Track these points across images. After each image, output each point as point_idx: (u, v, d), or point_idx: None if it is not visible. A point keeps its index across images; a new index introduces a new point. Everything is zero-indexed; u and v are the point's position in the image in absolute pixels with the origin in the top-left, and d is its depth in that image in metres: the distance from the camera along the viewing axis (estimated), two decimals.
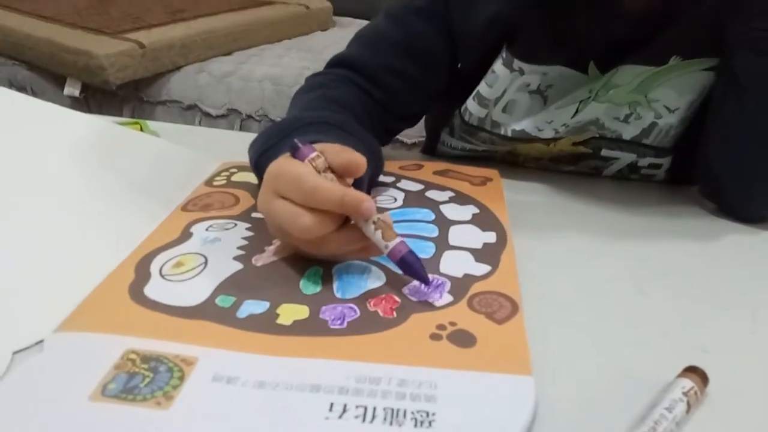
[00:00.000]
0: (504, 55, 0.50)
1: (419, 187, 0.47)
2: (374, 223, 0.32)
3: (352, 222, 0.34)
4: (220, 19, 1.30)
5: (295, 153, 0.34)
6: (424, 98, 0.55)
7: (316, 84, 0.53)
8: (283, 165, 0.35)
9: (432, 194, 0.46)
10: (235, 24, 1.30)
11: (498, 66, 0.51)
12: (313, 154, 0.33)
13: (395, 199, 0.45)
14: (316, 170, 0.34)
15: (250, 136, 0.45)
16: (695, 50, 0.47)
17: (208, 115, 1.19)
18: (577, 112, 0.51)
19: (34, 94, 1.23)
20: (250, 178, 0.46)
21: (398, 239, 0.32)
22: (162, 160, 0.51)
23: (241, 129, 1.18)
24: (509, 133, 0.53)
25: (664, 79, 0.48)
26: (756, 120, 0.46)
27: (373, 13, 1.77)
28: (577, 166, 0.56)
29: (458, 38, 0.52)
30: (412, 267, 0.32)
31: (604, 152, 0.54)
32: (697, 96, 0.49)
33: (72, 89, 1.17)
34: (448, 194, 0.46)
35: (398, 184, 0.48)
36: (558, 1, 0.48)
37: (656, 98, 0.49)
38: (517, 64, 0.50)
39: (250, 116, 1.18)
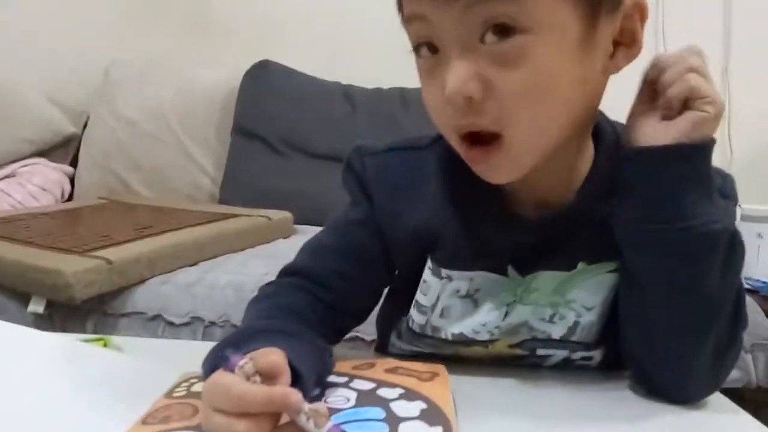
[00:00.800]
0: (430, 264, 0.57)
1: (371, 385, 0.50)
2: (305, 413, 0.35)
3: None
4: (187, 232, 1.38)
5: (227, 365, 0.38)
6: (368, 295, 0.61)
7: (269, 293, 0.58)
8: (214, 379, 0.39)
9: (383, 392, 0.49)
10: (202, 236, 1.37)
11: (428, 275, 0.57)
12: (242, 362, 0.37)
13: (348, 399, 0.47)
14: (246, 376, 0.37)
15: (211, 345, 0.48)
16: (597, 256, 0.54)
17: (171, 324, 1.21)
18: (507, 314, 0.55)
19: None
20: None
21: (330, 424, 0.35)
22: (123, 376, 0.53)
23: (203, 336, 1.20)
24: (450, 337, 0.57)
25: (577, 281, 0.54)
26: (661, 312, 0.51)
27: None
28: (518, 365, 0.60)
29: (390, 245, 0.58)
30: None
31: (539, 351, 0.58)
32: (608, 293, 0.55)
33: (36, 306, 1.18)
34: (398, 391, 0.49)
35: (351, 384, 0.50)
36: (468, 211, 0.55)
37: (573, 299, 0.55)
38: (444, 272, 0.56)
39: (213, 323, 1.20)
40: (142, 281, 1.24)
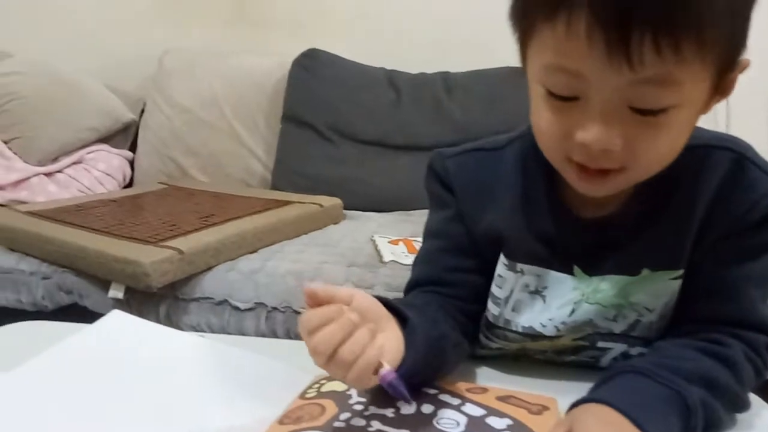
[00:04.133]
0: (505, 260, 0.63)
1: (481, 412, 0.53)
2: None
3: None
4: (247, 221, 1.47)
5: None
6: (486, 279, 0.65)
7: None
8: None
9: (492, 421, 0.51)
10: (261, 225, 1.46)
11: (502, 270, 0.63)
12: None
13: (458, 423, 0.51)
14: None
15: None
16: (661, 263, 0.58)
17: (236, 309, 1.32)
18: (573, 311, 0.61)
19: (81, 297, 1.37)
20: (337, 386, 0.55)
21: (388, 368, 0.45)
22: (258, 375, 0.60)
23: (266, 320, 1.30)
24: (520, 329, 0.63)
25: (641, 286, 0.59)
26: None
27: (377, 205, 1.99)
28: (578, 357, 0.65)
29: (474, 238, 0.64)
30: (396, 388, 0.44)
31: (599, 344, 0.63)
32: (670, 298, 0.60)
33: (116, 292, 1.30)
34: (506, 422, 0.51)
35: (462, 408, 0.54)
36: (535, 210, 0.60)
37: (636, 301, 0.60)
38: (519, 266, 0.62)
39: (275, 308, 1.30)
40: (209, 269, 1.35)
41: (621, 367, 0.55)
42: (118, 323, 0.66)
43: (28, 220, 1.50)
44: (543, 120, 0.52)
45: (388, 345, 0.50)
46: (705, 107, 0.51)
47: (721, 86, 0.51)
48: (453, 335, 0.60)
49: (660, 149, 0.50)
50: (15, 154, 1.94)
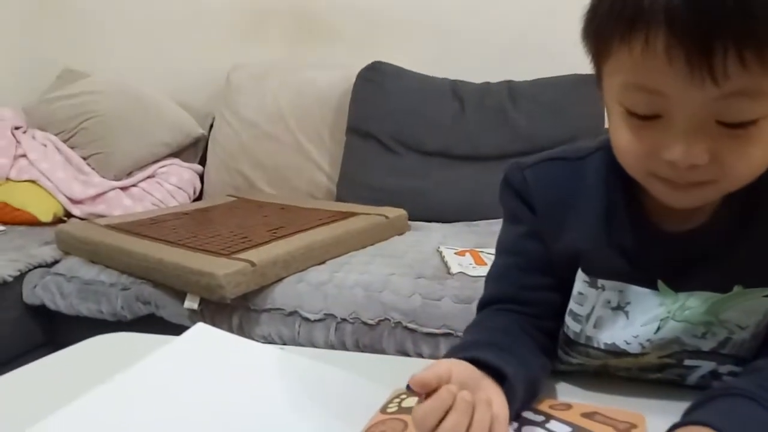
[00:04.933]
0: (585, 277, 0.61)
1: (567, 429, 0.52)
2: None
3: None
4: (315, 233, 1.49)
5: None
6: (562, 295, 0.64)
7: (473, 323, 0.65)
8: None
9: None
10: (328, 237, 1.48)
11: (583, 287, 0.61)
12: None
13: None
14: None
15: (409, 362, 0.56)
16: (754, 280, 0.55)
17: (306, 319, 1.34)
18: (659, 329, 0.58)
19: (157, 308, 1.42)
20: None
21: None
22: (337, 390, 0.60)
23: (336, 331, 1.31)
24: (602, 346, 0.61)
25: (732, 304, 0.56)
26: None
27: (442, 216, 1.98)
28: (663, 374, 0.63)
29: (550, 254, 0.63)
30: None
31: (686, 362, 0.61)
32: (762, 317, 0.57)
33: (191, 303, 1.34)
34: None
35: (547, 425, 0.53)
36: (618, 224, 0.58)
37: (727, 318, 0.57)
38: (600, 282, 0.60)
39: (344, 319, 1.31)
40: (279, 280, 1.37)
41: (722, 388, 0.53)
42: (203, 336, 0.67)
43: (107, 233, 1.57)
44: (623, 139, 0.51)
45: (501, 413, 0.51)
46: None
47: None
48: (543, 364, 0.60)
49: (751, 162, 0.48)
50: (93, 169, 2.04)
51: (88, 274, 1.50)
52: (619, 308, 0.60)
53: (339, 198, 1.99)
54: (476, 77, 2.03)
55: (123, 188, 2.03)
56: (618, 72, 0.49)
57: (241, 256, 1.33)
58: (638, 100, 0.48)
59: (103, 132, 2.06)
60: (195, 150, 2.27)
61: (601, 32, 0.49)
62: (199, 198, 2.20)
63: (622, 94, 0.49)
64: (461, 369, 0.52)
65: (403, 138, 1.97)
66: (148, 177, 2.09)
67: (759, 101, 0.45)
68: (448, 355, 0.56)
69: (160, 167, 2.11)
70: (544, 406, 0.56)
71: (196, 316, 1.35)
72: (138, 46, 2.41)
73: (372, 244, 1.59)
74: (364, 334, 1.29)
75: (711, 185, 0.50)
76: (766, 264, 0.55)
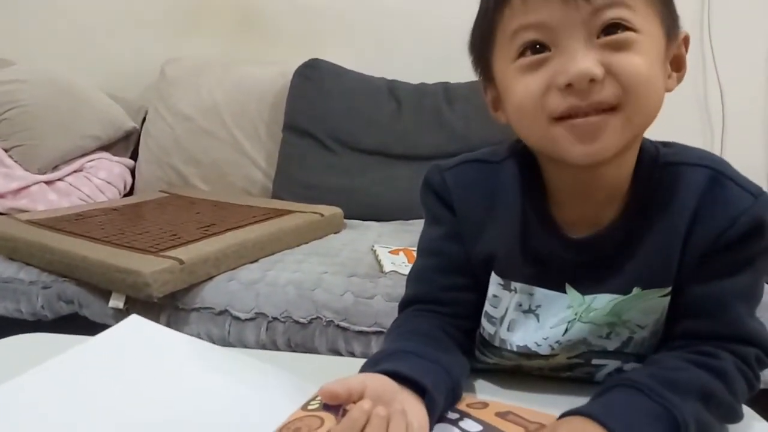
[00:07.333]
0: (500, 280, 0.63)
1: (478, 428, 0.54)
2: None
3: None
4: (247, 231, 1.47)
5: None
6: (479, 295, 0.66)
7: (395, 325, 0.66)
8: None
9: None
10: (262, 234, 1.46)
11: (498, 290, 0.63)
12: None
13: None
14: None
15: (338, 361, 0.56)
16: (650, 282, 0.59)
17: (237, 318, 1.32)
18: (566, 331, 0.61)
19: (80, 307, 1.37)
20: None
21: None
22: (265, 386, 0.60)
23: (267, 331, 1.30)
24: (515, 348, 0.64)
25: (632, 304, 0.60)
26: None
27: (378, 214, 1.98)
28: (573, 373, 0.66)
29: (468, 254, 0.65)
30: None
31: (594, 361, 0.64)
32: (660, 315, 0.61)
33: (116, 302, 1.30)
34: None
35: (460, 423, 0.55)
36: (529, 228, 0.60)
37: (628, 319, 0.60)
38: (513, 284, 0.62)
39: (276, 318, 1.30)
40: (210, 278, 1.35)
41: (617, 380, 0.56)
42: (136, 328, 0.66)
43: (28, 229, 1.50)
44: (520, 88, 0.54)
45: (416, 423, 0.52)
46: (664, 58, 0.55)
47: (670, 51, 0.55)
48: (463, 365, 0.62)
49: (639, 69, 0.51)
50: (16, 162, 1.94)
51: (6, 272, 1.43)
52: (530, 311, 0.63)
53: (275, 195, 1.97)
54: (413, 78, 2.04)
55: (48, 182, 1.95)
56: (505, 31, 0.55)
57: (170, 253, 1.30)
58: (528, 37, 0.53)
59: (27, 123, 1.96)
60: (126, 144, 2.20)
61: (486, 17, 0.57)
62: (130, 194, 2.13)
63: (513, 42, 0.54)
64: (376, 383, 0.53)
65: (340, 136, 1.97)
66: (76, 171, 2.01)
67: (631, 9, 0.52)
68: (365, 368, 0.56)
69: (89, 161, 2.04)
70: (461, 405, 0.58)
71: (121, 316, 1.31)
72: (69, 35, 2.31)
73: (307, 243, 1.58)
74: (296, 332, 1.28)
75: (614, 117, 0.52)
76: (660, 265, 0.58)
